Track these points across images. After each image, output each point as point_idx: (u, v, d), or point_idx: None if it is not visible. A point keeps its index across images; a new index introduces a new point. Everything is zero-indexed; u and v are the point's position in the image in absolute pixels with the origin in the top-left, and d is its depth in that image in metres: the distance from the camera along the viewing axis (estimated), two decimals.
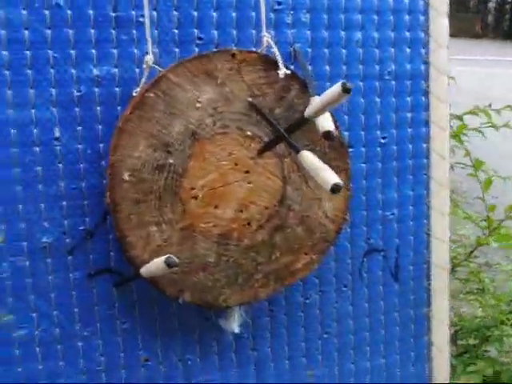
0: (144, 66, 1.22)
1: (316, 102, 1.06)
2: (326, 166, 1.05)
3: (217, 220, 1.22)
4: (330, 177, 1.01)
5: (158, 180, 1.19)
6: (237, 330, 1.34)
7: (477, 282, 1.89)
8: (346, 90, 0.97)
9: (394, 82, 1.39)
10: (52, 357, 1.31)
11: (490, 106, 1.83)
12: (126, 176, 1.18)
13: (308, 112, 1.09)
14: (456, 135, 1.74)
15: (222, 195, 1.21)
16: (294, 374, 1.45)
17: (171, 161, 1.19)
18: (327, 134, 1.06)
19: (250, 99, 1.19)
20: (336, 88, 0.99)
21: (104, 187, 1.24)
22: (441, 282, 1.47)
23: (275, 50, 1.21)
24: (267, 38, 1.22)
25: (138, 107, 1.17)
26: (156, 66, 1.21)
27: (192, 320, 1.37)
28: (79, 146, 1.25)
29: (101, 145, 1.25)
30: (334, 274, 1.43)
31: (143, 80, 1.22)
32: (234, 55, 1.19)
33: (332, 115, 1.19)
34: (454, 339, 1.82)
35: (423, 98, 1.41)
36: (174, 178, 1.20)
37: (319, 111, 1.05)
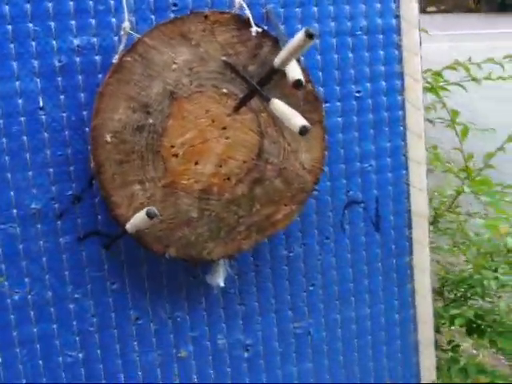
0: (122, 33, 1.35)
1: (283, 50, 1.20)
2: (294, 112, 1.18)
3: (197, 176, 1.36)
4: (298, 120, 1.14)
5: (139, 140, 1.33)
6: (222, 283, 1.48)
7: (463, 236, 2.03)
8: (309, 36, 1.10)
9: (365, 37, 1.52)
10: (45, 319, 1.45)
11: (469, 59, 1.96)
12: (108, 138, 1.32)
13: (276, 61, 1.22)
14: (432, 88, 1.88)
15: (201, 152, 1.35)
16: (282, 327, 1.60)
17: (151, 121, 1.32)
18: (297, 83, 1.20)
19: (223, 58, 1.32)
20: (300, 35, 1.12)
21: (89, 153, 1.38)
22: (421, 231, 1.62)
23: (247, 9, 1.34)
24: None
25: (116, 71, 1.31)
26: (133, 33, 1.34)
27: (180, 278, 1.52)
28: (63, 114, 1.38)
29: (84, 112, 1.39)
30: (315, 227, 1.57)
31: (121, 47, 1.34)
32: (206, 17, 1.32)
33: (303, 69, 1.34)
34: (440, 292, 1.97)
35: (396, 51, 1.55)
36: (155, 137, 1.33)
37: (286, 59, 1.19)
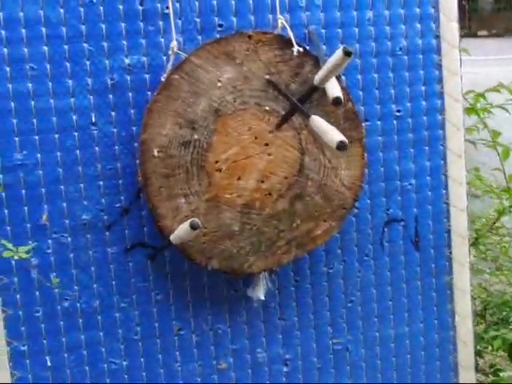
0: (170, 52, 1.41)
1: (322, 68, 1.22)
2: (333, 128, 1.20)
3: (240, 191, 1.39)
4: (336, 136, 1.17)
5: (185, 155, 1.37)
6: (262, 297, 1.50)
7: (507, 259, 1.99)
8: (347, 54, 1.12)
9: (406, 57, 1.54)
10: (93, 327, 1.49)
11: None
12: (155, 152, 1.36)
13: (316, 79, 1.25)
14: (472, 108, 1.87)
15: (244, 167, 1.39)
16: (320, 342, 1.60)
17: (196, 137, 1.37)
18: (336, 100, 1.22)
19: (267, 76, 1.36)
20: (338, 53, 1.15)
21: (137, 167, 1.43)
22: (461, 251, 1.60)
23: (289, 30, 1.38)
24: (281, 20, 1.40)
25: (164, 88, 1.36)
26: (180, 52, 1.40)
27: (222, 291, 1.54)
28: (114, 130, 1.44)
29: (133, 128, 1.44)
30: (355, 244, 1.58)
31: (169, 65, 1.40)
32: (250, 36, 1.37)
33: (344, 88, 1.36)
34: (482, 315, 1.93)
35: (436, 71, 1.56)
36: (200, 152, 1.37)
37: (326, 77, 1.22)
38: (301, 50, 1.37)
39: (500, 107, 1.94)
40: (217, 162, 1.39)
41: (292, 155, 1.41)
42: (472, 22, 19.01)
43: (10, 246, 1.39)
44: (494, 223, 1.95)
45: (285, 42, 1.38)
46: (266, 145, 1.39)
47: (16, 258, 1.38)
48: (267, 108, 1.38)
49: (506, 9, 19.73)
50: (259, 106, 1.38)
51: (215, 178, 1.39)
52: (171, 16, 1.40)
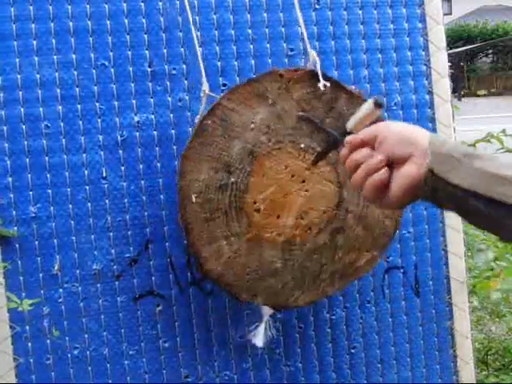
0: (201, 94, 1.43)
1: (353, 116, 1.04)
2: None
3: (280, 228, 1.40)
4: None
5: (223, 198, 1.38)
6: (261, 344, 1.49)
7: (507, 305, 1.98)
8: (377, 105, 1.03)
9: (400, 112, 1.61)
10: (102, 375, 1.52)
11: (503, 131, 1.97)
12: (193, 198, 1.37)
13: (348, 126, 1.13)
14: None
15: (282, 205, 1.39)
16: None
17: (233, 179, 1.37)
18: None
19: (300, 113, 1.36)
20: (369, 104, 0.99)
21: (145, 219, 1.48)
22: (460, 296, 1.63)
23: (318, 64, 1.35)
24: (313, 52, 1.38)
25: (198, 134, 1.37)
26: (213, 94, 1.40)
27: (228, 338, 1.56)
28: (123, 184, 1.50)
29: (142, 181, 1.50)
30: (357, 291, 1.61)
31: (202, 108, 1.42)
32: (281, 75, 1.37)
33: None
34: (484, 361, 1.91)
35: (430, 124, 1.63)
36: (237, 194, 1.38)
37: (358, 126, 1.09)
38: (327, 84, 1.36)
39: None
40: (255, 202, 1.39)
41: (330, 190, 1.41)
42: (471, 82, 19.26)
43: (14, 298, 1.41)
44: (492, 270, 1.94)
45: (316, 78, 1.37)
46: (303, 182, 1.40)
47: (20, 309, 1.39)
48: (302, 145, 1.39)
49: (504, 69, 20.03)
50: (294, 143, 1.39)
51: (254, 218, 1.40)
52: (200, 62, 1.42)
